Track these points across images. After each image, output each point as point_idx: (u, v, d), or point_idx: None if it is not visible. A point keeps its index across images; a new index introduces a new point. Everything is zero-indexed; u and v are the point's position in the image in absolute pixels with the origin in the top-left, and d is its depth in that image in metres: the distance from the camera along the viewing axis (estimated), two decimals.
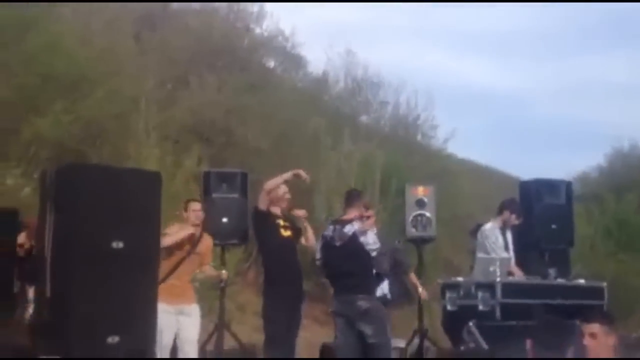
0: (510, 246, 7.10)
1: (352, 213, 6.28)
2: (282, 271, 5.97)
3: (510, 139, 49.39)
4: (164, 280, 5.88)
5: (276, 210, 6.20)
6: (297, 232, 6.31)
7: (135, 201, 5.03)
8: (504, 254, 6.88)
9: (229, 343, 7.68)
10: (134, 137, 11.60)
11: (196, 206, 6.25)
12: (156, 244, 5.17)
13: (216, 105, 14.79)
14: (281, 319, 5.91)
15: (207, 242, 6.28)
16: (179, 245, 5.97)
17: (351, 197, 6.46)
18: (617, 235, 18.76)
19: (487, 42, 57.00)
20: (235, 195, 7.08)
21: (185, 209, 6.24)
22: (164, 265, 6.03)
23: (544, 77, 53.69)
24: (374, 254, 6.01)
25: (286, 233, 6.18)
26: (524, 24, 56.49)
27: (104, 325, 4.73)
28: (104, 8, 14.28)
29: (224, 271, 6.59)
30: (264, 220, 6.13)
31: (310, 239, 6.30)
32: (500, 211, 7.18)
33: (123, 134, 12.16)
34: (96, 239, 4.77)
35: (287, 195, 6.29)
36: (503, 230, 7.11)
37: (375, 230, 6.54)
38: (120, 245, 4.88)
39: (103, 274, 4.76)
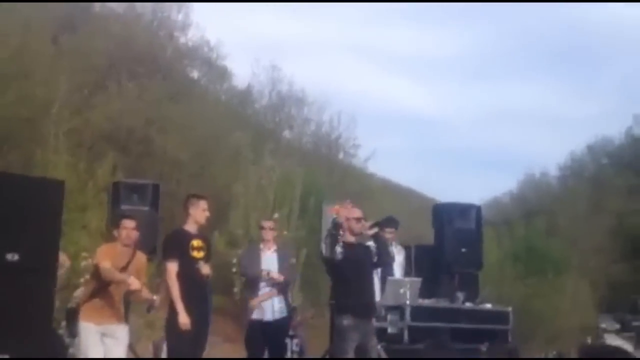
0: (398, 262, 6.99)
1: None
2: (188, 293, 5.77)
3: (430, 162, 50.81)
4: (89, 299, 5.54)
5: (191, 228, 5.97)
6: (210, 254, 6.11)
7: (35, 211, 4.77)
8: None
9: None
10: (44, 143, 11.12)
11: (129, 224, 5.66)
12: (54, 256, 4.90)
13: (135, 113, 14.42)
14: (186, 334, 5.72)
15: (140, 261, 5.75)
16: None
17: None
18: (525, 260, 19.49)
19: (414, 65, 58.60)
20: (146, 208, 6.83)
21: (117, 226, 5.70)
22: (90, 284, 5.67)
23: (466, 102, 55.68)
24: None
25: (199, 254, 5.96)
26: (449, 49, 58.44)
27: None
28: (22, 6, 13.70)
29: (156, 297, 5.93)
30: (174, 242, 5.89)
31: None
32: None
33: (33, 139, 11.65)
34: None
35: (206, 213, 6.02)
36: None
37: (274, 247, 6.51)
38: (16, 257, 4.60)
39: None
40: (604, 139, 32.86)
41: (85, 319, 5.51)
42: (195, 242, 5.93)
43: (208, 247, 6.06)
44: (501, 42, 57.40)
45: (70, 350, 6.66)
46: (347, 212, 5.72)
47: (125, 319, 5.88)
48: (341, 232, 5.57)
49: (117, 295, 5.61)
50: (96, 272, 5.56)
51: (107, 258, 5.53)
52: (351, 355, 5.42)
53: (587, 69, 54.16)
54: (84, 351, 5.51)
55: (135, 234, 5.68)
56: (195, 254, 5.92)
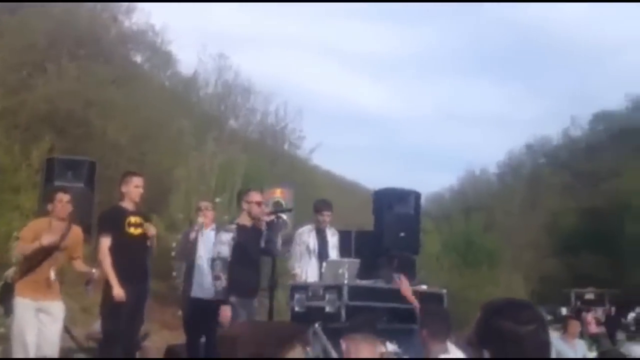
0: (332, 244, 7.09)
1: None
2: (125, 269, 5.68)
3: (374, 157, 51.36)
4: (22, 276, 5.43)
5: (130, 205, 5.89)
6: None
7: None
8: (312, 258, 6.95)
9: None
10: None
11: (63, 197, 5.60)
12: None
13: (75, 95, 14.04)
14: (120, 315, 5.63)
15: (75, 234, 5.66)
16: (36, 239, 5.31)
17: None
18: (463, 252, 19.99)
19: (364, 61, 59.05)
20: (81, 185, 6.64)
21: (51, 200, 5.60)
22: (24, 260, 5.52)
23: (415, 100, 56.50)
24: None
25: (136, 231, 5.88)
26: (398, 48, 59.13)
27: None
28: None
29: (94, 269, 5.83)
30: (109, 218, 5.81)
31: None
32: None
33: None
34: None
35: (139, 189, 5.95)
36: (319, 231, 7.14)
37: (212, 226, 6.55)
38: None
39: None
40: (542, 138, 33.98)
41: (21, 295, 5.38)
42: (133, 219, 5.86)
43: (149, 223, 5.99)
44: (449, 43, 58.49)
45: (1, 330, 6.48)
46: (249, 197, 6.02)
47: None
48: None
49: (52, 271, 5.49)
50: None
51: (29, 233, 5.42)
52: None
53: (533, 71, 55.78)
54: (19, 327, 5.38)
55: (69, 207, 5.58)
56: (132, 230, 5.84)
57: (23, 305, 5.38)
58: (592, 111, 32.93)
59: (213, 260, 5.96)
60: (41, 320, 5.43)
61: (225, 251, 5.87)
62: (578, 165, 30.09)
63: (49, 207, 5.59)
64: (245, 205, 6.06)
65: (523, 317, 1.76)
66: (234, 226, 6.00)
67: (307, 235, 7.15)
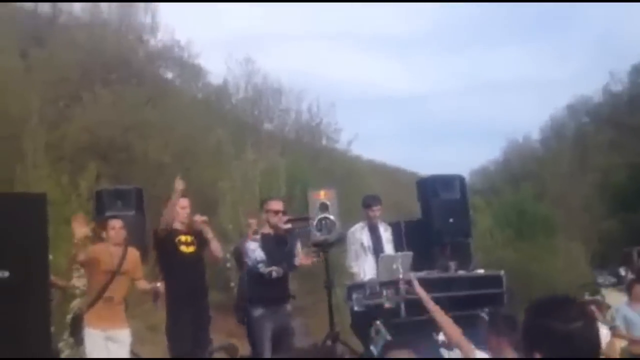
0: (386, 239, 7.06)
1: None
2: (182, 289, 5.80)
3: (414, 138, 50.94)
4: (92, 305, 5.59)
5: (178, 225, 6.02)
6: (203, 244, 6.14)
7: (19, 226, 4.76)
8: (368, 255, 6.92)
9: None
10: (23, 159, 11.05)
11: (116, 224, 5.77)
12: (45, 269, 4.90)
13: (113, 122, 14.35)
14: (186, 336, 5.76)
15: (132, 257, 5.81)
16: (96, 266, 5.54)
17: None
18: (517, 224, 19.64)
19: (386, 43, 58.54)
20: (131, 213, 6.79)
21: (104, 228, 5.77)
22: (89, 290, 5.73)
23: (443, 76, 55.77)
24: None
25: (188, 249, 6.00)
26: (421, 25, 58.42)
27: None
28: None
29: (159, 283, 5.82)
30: (161, 240, 5.95)
31: (214, 249, 6.13)
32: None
33: (13, 156, 11.57)
34: None
35: (186, 210, 6.08)
36: (372, 227, 7.11)
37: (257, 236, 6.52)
38: (6, 274, 4.60)
39: None
40: (583, 97, 33.13)
41: (90, 326, 5.55)
42: (184, 238, 5.98)
43: (201, 239, 6.10)
44: (472, 13, 57.46)
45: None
46: (267, 206, 6.04)
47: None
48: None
49: (117, 296, 5.65)
50: (89, 275, 5.62)
51: (89, 259, 5.58)
52: (268, 344, 5.78)
53: (561, 31, 54.40)
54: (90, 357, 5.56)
55: (123, 232, 5.74)
56: (184, 248, 5.96)
57: (92, 336, 5.55)
58: (630, 63, 31.93)
59: (257, 263, 5.88)
60: (109, 348, 5.59)
61: (261, 254, 5.86)
62: (622, 120, 29.27)
63: (103, 235, 5.75)
64: (264, 215, 6.08)
65: (570, 314, 1.74)
66: (258, 236, 6.01)
67: (359, 233, 7.16)
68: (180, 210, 6.00)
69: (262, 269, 5.84)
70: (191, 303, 5.85)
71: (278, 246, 6.05)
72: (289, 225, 6.17)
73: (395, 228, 7.72)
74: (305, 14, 54.55)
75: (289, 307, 6.24)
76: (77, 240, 5.51)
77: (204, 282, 6.25)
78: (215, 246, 6.16)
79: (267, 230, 6.05)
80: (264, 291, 5.89)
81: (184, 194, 6.25)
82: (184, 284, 5.85)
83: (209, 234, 6.08)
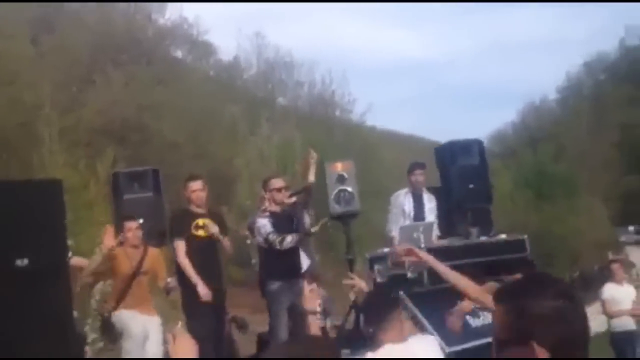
0: (428, 208, 6.97)
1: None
2: (198, 270, 5.78)
3: (428, 105, 50.47)
4: (115, 308, 5.56)
5: (196, 209, 5.95)
6: (221, 228, 6.08)
7: (37, 213, 4.72)
8: (407, 222, 6.83)
9: None
10: (40, 146, 11.08)
11: (132, 224, 5.68)
12: (64, 256, 4.87)
13: (126, 103, 14.31)
14: (207, 314, 5.75)
15: (153, 257, 5.75)
16: (117, 271, 5.49)
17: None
18: (537, 186, 19.43)
19: (395, 11, 57.70)
20: (149, 194, 6.71)
21: (120, 230, 5.65)
22: (113, 292, 5.70)
23: (456, 41, 54.94)
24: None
25: (200, 233, 5.95)
26: None
27: (18, 349, 4.45)
28: None
29: (169, 279, 5.86)
30: (177, 222, 5.92)
31: (225, 247, 6.07)
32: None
33: (28, 143, 11.61)
34: None
35: (199, 193, 5.99)
36: (416, 195, 7.02)
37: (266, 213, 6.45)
38: (25, 262, 4.58)
39: (10, 294, 4.46)
40: (599, 54, 32.52)
41: (128, 308, 5.55)
42: (201, 221, 5.92)
43: (221, 223, 6.04)
44: None
45: (86, 349, 6.70)
46: (269, 186, 5.97)
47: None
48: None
49: (141, 296, 5.64)
50: (111, 267, 5.62)
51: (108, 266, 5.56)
52: (284, 317, 5.77)
53: None
54: (141, 340, 5.55)
55: (139, 233, 5.68)
56: (200, 232, 5.91)
57: (132, 316, 5.56)
58: None
59: (268, 235, 5.85)
60: (145, 326, 5.59)
61: (270, 228, 5.84)
62: None
63: (120, 237, 5.67)
64: (267, 194, 6.03)
65: (551, 292, 1.52)
66: (267, 213, 5.97)
67: (402, 198, 7.06)
68: (191, 194, 5.92)
69: (273, 237, 5.83)
70: (206, 283, 5.84)
71: (287, 221, 6.04)
72: (293, 199, 6.16)
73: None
74: None
75: (302, 281, 6.28)
76: (105, 251, 5.49)
77: (219, 266, 6.23)
78: (226, 244, 6.10)
79: (273, 207, 6.03)
80: (279, 265, 5.90)
81: (195, 177, 6.22)
82: (198, 267, 5.82)
83: (218, 234, 6.00)
